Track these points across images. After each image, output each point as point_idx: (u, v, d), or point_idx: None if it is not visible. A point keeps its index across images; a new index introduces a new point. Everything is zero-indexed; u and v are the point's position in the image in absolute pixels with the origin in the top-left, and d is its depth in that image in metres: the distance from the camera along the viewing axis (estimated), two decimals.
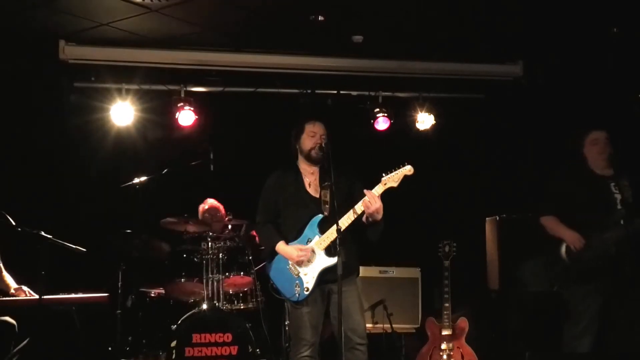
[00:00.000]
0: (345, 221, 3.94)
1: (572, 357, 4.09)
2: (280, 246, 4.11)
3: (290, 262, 4.11)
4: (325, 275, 4.04)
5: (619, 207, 4.25)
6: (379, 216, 3.98)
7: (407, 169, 4.02)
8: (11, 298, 4.40)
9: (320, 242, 4.05)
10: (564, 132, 5.23)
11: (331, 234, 3.92)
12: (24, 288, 4.47)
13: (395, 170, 4.02)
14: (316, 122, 4.25)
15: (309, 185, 4.24)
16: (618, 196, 4.27)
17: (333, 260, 3.91)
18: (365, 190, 3.95)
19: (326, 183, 4.10)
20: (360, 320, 4.15)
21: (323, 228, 4.06)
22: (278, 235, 4.15)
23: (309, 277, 4.07)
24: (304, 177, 4.26)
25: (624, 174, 4.35)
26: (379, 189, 4.00)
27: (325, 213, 4.08)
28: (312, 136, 4.21)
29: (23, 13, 4.79)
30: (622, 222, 4.17)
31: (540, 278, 4.52)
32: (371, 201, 3.90)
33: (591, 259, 4.20)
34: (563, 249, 4.33)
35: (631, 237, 4.14)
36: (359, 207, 3.91)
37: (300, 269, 4.08)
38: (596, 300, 4.19)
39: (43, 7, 4.70)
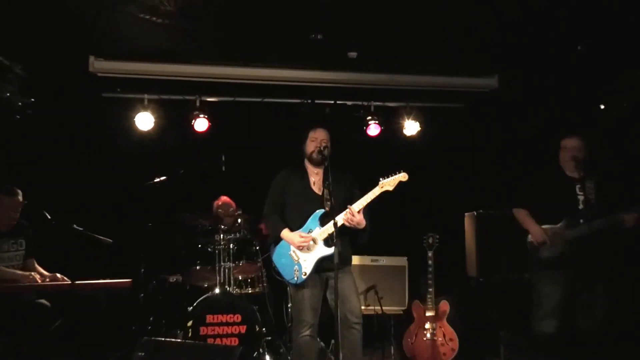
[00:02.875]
0: (341, 217, 3.99)
1: (540, 336, 4.09)
2: (285, 232, 4.16)
3: (292, 249, 4.16)
4: (322, 263, 4.09)
5: (580, 207, 4.24)
6: (361, 226, 4.04)
7: (402, 176, 4.09)
8: (47, 283, 4.41)
9: (320, 233, 4.11)
10: (534, 137, 5.27)
11: (330, 227, 3.96)
12: (58, 275, 4.49)
13: (392, 175, 4.08)
14: (318, 128, 4.31)
15: (314, 183, 4.29)
16: (581, 197, 4.25)
17: (330, 250, 3.96)
18: (348, 207, 4.00)
19: (327, 182, 4.14)
20: (356, 303, 4.19)
21: (323, 222, 4.12)
22: (283, 224, 4.21)
23: (307, 263, 4.12)
24: (309, 176, 4.31)
25: (592, 177, 4.32)
26: (376, 191, 4.07)
27: (326, 208, 4.12)
28: (313, 141, 4.26)
29: (58, 32, 4.80)
30: (581, 221, 4.18)
31: (513, 266, 4.54)
32: (351, 217, 3.98)
33: (550, 252, 4.23)
34: (528, 240, 4.37)
35: (589, 236, 4.14)
36: (340, 218, 3.96)
37: (300, 255, 4.13)
38: (559, 287, 4.19)
39: (76, 27, 4.72)
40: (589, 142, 4.38)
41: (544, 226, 4.30)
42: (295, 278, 4.12)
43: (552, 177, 4.43)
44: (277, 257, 4.22)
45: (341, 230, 3.98)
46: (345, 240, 4.22)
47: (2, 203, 4.50)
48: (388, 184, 4.08)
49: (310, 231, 4.15)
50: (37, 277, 4.38)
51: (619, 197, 4.18)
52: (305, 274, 4.10)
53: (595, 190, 4.25)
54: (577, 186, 4.30)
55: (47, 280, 4.47)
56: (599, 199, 4.23)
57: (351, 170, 4.34)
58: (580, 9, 4.45)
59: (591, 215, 4.16)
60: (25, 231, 4.65)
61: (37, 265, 4.68)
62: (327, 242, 4.07)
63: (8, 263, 4.46)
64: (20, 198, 4.56)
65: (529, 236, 4.36)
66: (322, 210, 4.14)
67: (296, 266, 4.12)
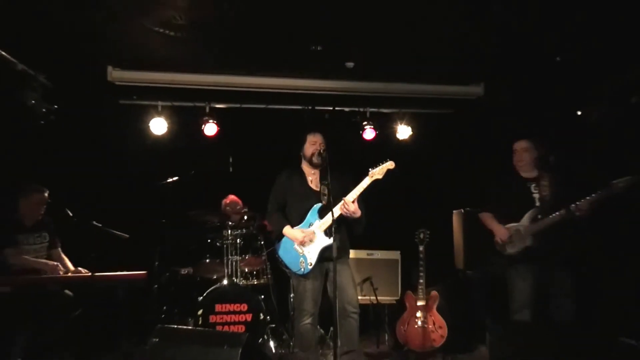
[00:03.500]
0: (337, 209, 4.01)
1: (520, 324, 4.09)
2: (287, 230, 4.16)
3: (295, 243, 4.16)
4: (324, 253, 4.10)
5: (537, 204, 4.25)
6: (357, 215, 4.04)
7: (389, 164, 4.13)
8: (69, 275, 4.44)
9: (320, 225, 4.13)
10: (517, 140, 5.24)
11: (328, 219, 3.97)
12: (80, 268, 4.51)
13: (380, 165, 4.11)
14: (316, 133, 4.31)
15: (311, 181, 4.31)
16: (537, 195, 4.27)
17: (330, 240, 3.96)
18: (343, 199, 4.00)
19: (324, 181, 4.15)
20: (353, 294, 4.19)
21: (322, 214, 4.14)
22: (285, 221, 4.21)
23: (311, 254, 4.13)
24: (307, 176, 4.32)
25: (547, 174, 4.32)
26: (367, 181, 4.09)
27: (324, 202, 4.13)
28: (312, 144, 4.28)
29: (79, 44, 4.80)
30: (539, 217, 4.19)
31: (497, 259, 4.54)
32: (346, 207, 3.99)
33: (515, 248, 4.24)
34: (495, 239, 4.38)
35: (548, 229, 4.14)
36: (337, 209, 3.97)
37: (304, 248, 4.14)
38: (528, 281, 4.19)
39: (95, 39, 4.72)
40: (539, 143, 4.40)
41: (507, 225, 4.31)
42: (302, 269, 4.13)
43: (508, 181, 4.45)
44: (283, 251, 4.22)
45: (339, 223, 3.99)
46: (343, 232, 4.24)
47: (29, 200, 4.54)
48: (377, 173, 4.11)
49: (310, 225, 4.16)
50: (61, 267, 4.40)
51: (571, 190, 4.16)
52: (311, 264, 4.11)
53: (549, 187, 4.25)
54: (532, 185, 4.32)
55: (70, 272, 4.50)
56: (552, 194, 4.23)
57: (348, 170, 4.33)
58: (558, 24, 4.46)
59: (547, 210, 4.17)
60: (48, 225, 4.67)
61: (62, 255, 4.69)
62: (327, 232, 4.09)
63: (34, 254, 4.48)
64: (46, 195, 4.59)
65: (495, 236, 4.37)
66: (320, 204, 4.16)
67: (302, 258, 4.13)
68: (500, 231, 4.32)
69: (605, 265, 4.80)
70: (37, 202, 4.55)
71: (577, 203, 4.02)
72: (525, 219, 4.25)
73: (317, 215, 4.15)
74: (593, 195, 4.00)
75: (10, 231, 4.42)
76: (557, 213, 4.10)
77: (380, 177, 4.11)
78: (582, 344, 3.55)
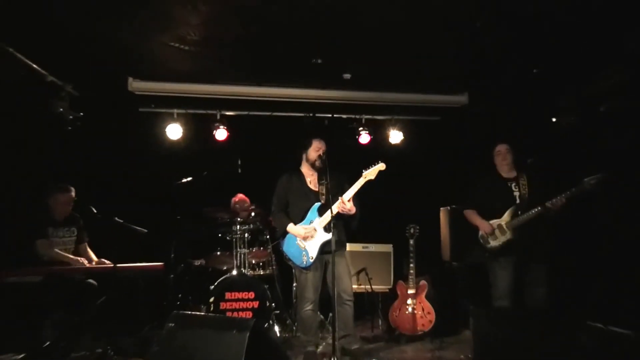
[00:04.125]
0: (335, 207, 4.05)
1: (501, 310, 4.13)
2: (290, 227, 4.19)
3: (298, 239, 4.19)
4: (324, 247, 4.13)
5: (517, 201, 4.28)
6: (352, 213, 4.09)
7: (381, 166, 4.16)
8: (94, 265, 4.46)
9: (320, 222, 4.15)
10: (497, 144, 5.27)
11: (327, 216, 4.00)
12: (103, 260, 4.55)
13: (372, 166, 4.13)
14: (321, 139, 4.34)
15: (310, 182, 4.33)
16: (517, 193, 4.30)
17: (329, 236, 3.99)
18: (340, 197, 4.05)
19: (323, 181, 4.19)
20: (348, 283, 4.23)
21: (321, 212, 4.16)
22: (288, 219, 4.23)
23: (312, 249, 4.15)
24: (306, 177, 4.35)
25: (525, 174, 4.36)
26: (361, 181, 4.11)
27: (322, 201, 4.16)
28: (316, 150, 4.29)
29: (102, 57, 4.84)
30: (519, 212, 4.22)
31: (479, 251, 4.57)
32: (343, 206, 4.04)
33: (497, 242, 4.27)
34: (480, 234, 4.40)
35: (526, 224, 4.18)
36: (335, 207, 4.01)
37: (306, 243, 4.17)
38: (508, 271, 4.22)
39: (117, 53, 4.76)
40: (515, 146, 4.43)
41: (491, 221, 4.34)
42: (304, 262, 4.16)
43: (490, 180, 4.47)
44: (287, 247, 4.25)
45: (336, 220, 4.02)
46: (341, 228, 4.27)
47: (58, 198, 4.56)
48: (370, 174, 4.14)
49: (311, 222, 4.20)
50: (85, 261, 4.43)
51: (547, 188, 4.19)
52: (312, 258, 4.13)
53: (528, 186, 4.29)
54: (513, 184, 4.36)
55: (94, 264, 4.54)
56: (530, 192, 4.27)
57: (345, 171, 4.36)
58: (535, 42, 4.50)
59: (526, 206, 4.20)
60: (77, 221, 4.69)
61: (88, 250, 4.72)
62: (326, 228, 4.12)
63: (62, 247, 4.51)
64: (73, 194, 4.62)
65: (479, 231, 4.39)
66: (319, 203, 4.19)
67: (304, 252, 4.16)
68: (484, 224, 4.34)
69: (575, 258, 4.84)
70: (65, 199, 4.58)
71: (553, 200, 4.07)
72: (507, 215, 4.28)
73: (317, 213, 4.19)
74: (567, 192, 4.05)
75: (42, 224, 4.45)
76: (535, 209, 4.14)
77: (372, 177, 4.14)
78: (554, 327, 3.59)
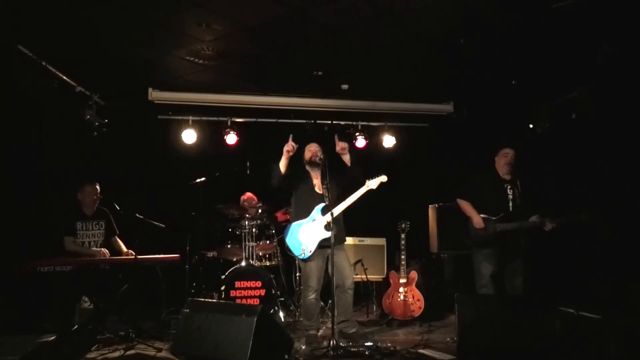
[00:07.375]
0: (337, 209, 4.08)
1: (485, 296, 4.16)
2: (283, 161, 4.17)
3: (299, 233, 4.18)
4: (323, 243, 4.13)
5: (510, 204, 4.24)
6: (346, 150, 4.15)
7: (383, 178, 4.17)
8: (117, 257, 4.44)
9: (322, 220, 4.16)
10: (481, 148, 5.29)
11: (328, 216, 4.02)
12: (131, 251, 4.52)
13: (375, 177, 4.14)
14: (312, 142, 4.37)
15: (315, 185, 4.34)
16: (511, 196, 4.26)
17: (328, 234, 4.00)
18: (336, 138, 4.12)
19: (325, 182, 4.21)
20: (349, 273, 4.23)
21: (324, 212, 4.17)
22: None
23: (311, 243, 4.15)
24: (312, 179, 4.36)
25: (519, 179, 4.32)
26: (363, 189, 4.12)
27: (326, 202, 4.18)
28: (309, 151, 4.34)
29: (126, 70, 4.87)
30: (511, 218, 4.17)
31: (463, 244, 4.56)
32: (342, 144, 4.12)
33: (484, 236, 4.25)
34: (470, 224, 4.34)
35: (520, 229, 4.13)
36: (336, 210, 4.05)
37: (306, 238, 4.16)
38: (491, 262, 4.19)
39: (139, 66, 4.80)
40: (517, 152, 4.38)
41: (483, 216, 4.28)
42: (303, 254, 4.15)
43: (488, 177, 4.38)
44: (289, 239, 4.24)
45: (337, 218, 4.05)
46: (341, 225, 4.28)
47: (85, 189, 4.53)
48: (372, 184, 4.15)
49: (314, 220, 4.21)
50: (107, 252, 4.40)
51: (537, 198, 4.18)
52: (311, 252, 4.13)
53: (520, 191, 4.24)
54: (508, 187, 4.30)
55: (123, 254, 4.54)
56: (522, 199, 4.23)
57: (343, 172, 4.35)
58: (514, 55, 4.53)
59: (521, 215, 4.15)
60: (105, 215, 4.64)
61: (119, 241, 4.66)
62: (327, 227, 4.12)
63: (92, 239, 4.50)
64: (97, 187, 4.59)
65: (470, 221, 4.32)
66: (323, 204, 4.21)
67: (303, 245, 4.16)
68: (478, 219, 4.24)
69: (551, 252, 4.86)
70: (91, 190, 4.54)
71: (550, 220, 4.03)
72: (500, 217, 4.20)
73: (320, 213, 4.21)
74: (564, 219, 4.02)
75: (71, 220, 4.45)
76: (530, 220, 4.09)
77: (374, 187, 4.14)
78: (531, 313, 3.62)
